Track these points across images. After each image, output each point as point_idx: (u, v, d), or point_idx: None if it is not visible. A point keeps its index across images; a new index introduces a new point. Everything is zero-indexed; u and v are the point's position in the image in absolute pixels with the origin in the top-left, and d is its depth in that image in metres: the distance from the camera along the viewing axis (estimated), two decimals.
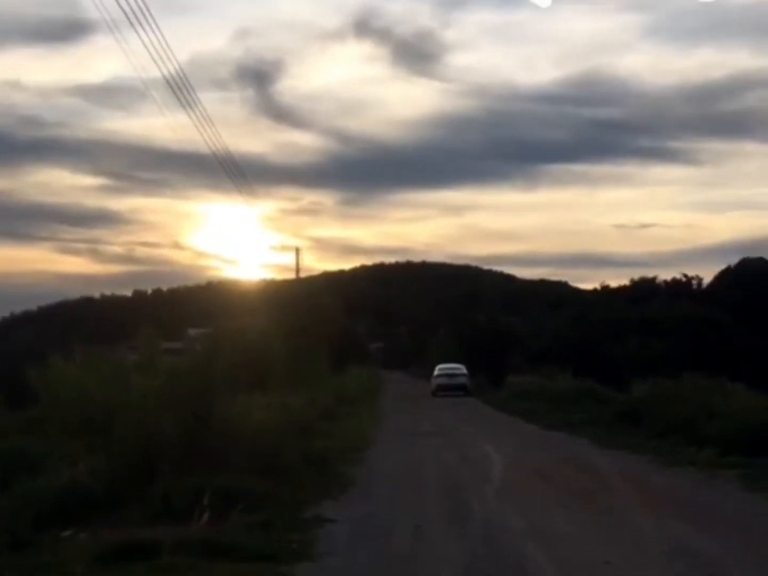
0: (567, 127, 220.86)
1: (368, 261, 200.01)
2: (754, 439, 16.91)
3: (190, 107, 22.56)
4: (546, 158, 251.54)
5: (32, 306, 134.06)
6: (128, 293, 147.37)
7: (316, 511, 11.72)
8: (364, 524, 11.16)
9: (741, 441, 17.14)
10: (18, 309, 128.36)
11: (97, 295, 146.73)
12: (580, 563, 8.91)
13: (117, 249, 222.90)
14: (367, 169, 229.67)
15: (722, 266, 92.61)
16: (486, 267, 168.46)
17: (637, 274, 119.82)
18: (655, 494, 13.58)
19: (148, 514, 10.69)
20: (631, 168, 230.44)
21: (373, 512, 12.07)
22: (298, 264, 54.66)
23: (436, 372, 51.75)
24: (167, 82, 20.41)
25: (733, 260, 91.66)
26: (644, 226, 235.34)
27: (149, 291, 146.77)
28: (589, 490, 13.97)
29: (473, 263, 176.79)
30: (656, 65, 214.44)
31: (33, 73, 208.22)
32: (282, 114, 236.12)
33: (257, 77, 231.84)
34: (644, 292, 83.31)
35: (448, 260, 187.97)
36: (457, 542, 9.98)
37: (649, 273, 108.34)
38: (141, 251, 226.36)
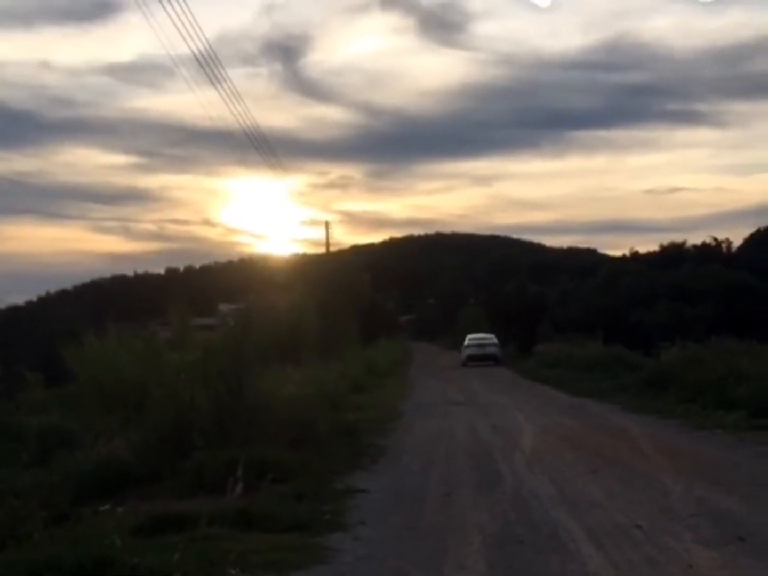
0: (595, 93, 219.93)
1: (397, 233, 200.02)
2: None
3: (219, 83, 22.69)
4: (574, 125, 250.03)
5: (67, 285, 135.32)
6: (161, 270, 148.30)
7: (347, 482, 11.89)
8: (395, 494, 11.31)
9: None
10: (53, 288, 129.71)
11: (129, 272, 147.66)
12: (610, 528, 8.98)
13: (148, 227, 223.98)
14: (395, 141, 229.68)
15: (752, 229, 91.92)
16: (515, 236, 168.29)
17: (667, 239, 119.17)
18: (684, 458, 13.63)
19: (183, 486, 10.90)
20: (659, 132, 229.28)
21: (404, 482, 12.22)
22: (328, 238, 54.73)
23: (466, 342, 51.74)
24: (195, 58, 20.50)
25: (763, 223, 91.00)
26: (673, 190, 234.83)
27: (181, 268, 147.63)
28: (618, 456, 14.05)
29: (502, 233, 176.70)
30: (683, 28, 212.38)
31: (62, 53, 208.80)
32: (310, 88, 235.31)
33: (285, 52, 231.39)
34: (674, 258, 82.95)
35: (476, 231, 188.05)
36: (489, 510, 10.09)
37: (679, 238, 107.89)
38: (172, 228, 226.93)
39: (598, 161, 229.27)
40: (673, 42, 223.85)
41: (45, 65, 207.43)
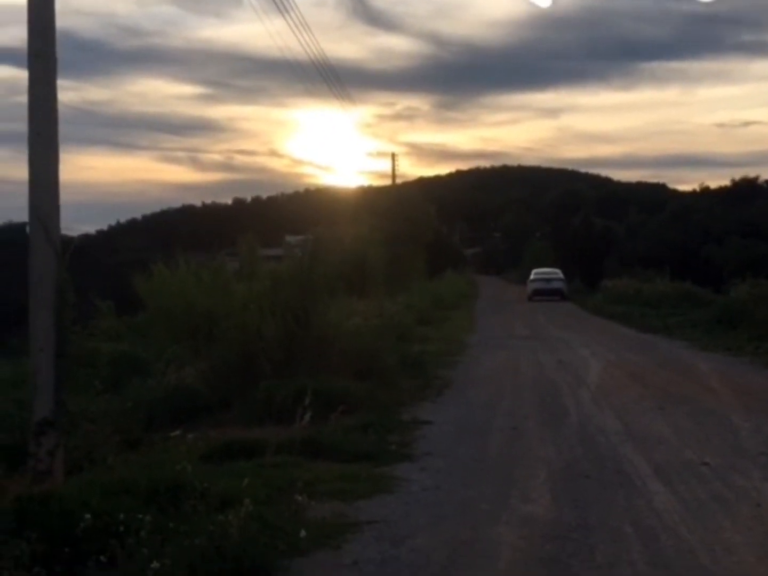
0: (666, 23, 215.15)
1: (464, 166, 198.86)
2: None
3: (286, 12, 22.47)
4: (644, 56, 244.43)
5: (136, 214, 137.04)
6: (228, 201, 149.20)
7: (413, 414, 11.97)
8: (461, 426, 11.36)
9: None
10: (123, 218, 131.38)
11: (198, 203, 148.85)
12: (677, 464, 8.95)
13: (216, 157, 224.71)
14: (462, 72, 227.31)
15: None
16: (582, 170, 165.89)
17: (739, 174, 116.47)
18: (753, 396, 13.48)
19: (252, 415, 11.07)
20: (733, 64, 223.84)
21: (469, 414, 12.26)
22: (394, 170, 54.55)
23: (531, 276, 51.43)
24: None
25: None
26: (746, 124, 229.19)
27: (248, 199, 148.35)
28: (686, 392, 13.94)
29: (569, 166, 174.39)
30: None
31: None
32: (376, 18, 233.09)
33: None
34: (746, 193, 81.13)
35: (544, 164, 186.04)
36: (555, 444, 10.09)
37: (751, 173, 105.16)
38: (239, 159, 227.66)
39: (669, 94, 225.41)
40: None
41: None
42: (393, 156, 55.64)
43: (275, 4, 21.42)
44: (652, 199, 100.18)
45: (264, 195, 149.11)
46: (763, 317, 21.13)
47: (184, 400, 11.58)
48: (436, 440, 10.41)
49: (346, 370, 13.14)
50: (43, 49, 7.92)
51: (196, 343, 15.26)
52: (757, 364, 17.20)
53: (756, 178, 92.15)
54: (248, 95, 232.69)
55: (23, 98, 7.94)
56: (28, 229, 7.93)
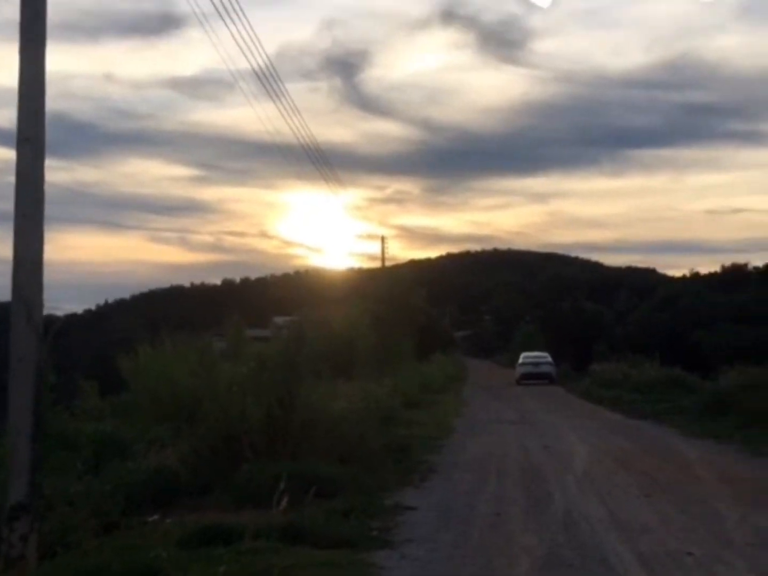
0: (656, 112, 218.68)
1: (454, 249, 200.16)
2: None
3: (278, 98, 22.78)
4: (635, 143, 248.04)
5: (125, 294, 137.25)
6: (217, 282, 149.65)
7: (396, 499, 11.83)
8: (444, 512, 11.22)
9: None
10: (111, 297, 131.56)
11: (186, 283, 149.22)
12: (662, 554, 8.83)
13: (206, 238, 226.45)
14: (454, 157, 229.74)
15: None
16: (572, 254, 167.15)
17: (728, 260, 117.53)
18: (739, 485, 13.36)
19: (233, 499, 10.92)
20: (721, 152, 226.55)
21: (453, 500, 12.13)
22: (383, 252, 54.90)
23: (520, 360, 51.51)
24: (255, 73, 20.65)
25: None
26: (735, 211, 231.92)
27: (237, 280, 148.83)
28: (672, 480, 13.83)
29: (560, 251, 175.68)
30: (748, 47, 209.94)
31: (126, 65, 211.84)
32: (369, 103, 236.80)
33: (344, 67, 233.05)
34: (735, 279, 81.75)
35: (534, 248, 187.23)
36: (538, 531, 9.96)
37: (741, 259, 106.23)
38: (229, 240, 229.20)
39: (659, 180, 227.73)
40: (736, 61, 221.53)
41: (109, 78, 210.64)
42: (383, 239, 56.15)
43: (266, 91, 21.71)
44: (642, 283, 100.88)
45: (253, 276, 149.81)
46: (751, 405, 21.08)
47: (164, 482, 11.43)
48: (418, 526, 10.28)
49: (330, 454, 13.01)
50: (33, 134, 8.01)
51: (179, 424, 15.18)
52: (745, 453, 17.10)
53: (745, 265, 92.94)
54: (239, 177, 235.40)
55: (11, 178, 8.01)
56: (10, 309, 7.92)
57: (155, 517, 8.61)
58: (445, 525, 10.40)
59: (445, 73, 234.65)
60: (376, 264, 55.92)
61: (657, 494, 12.45)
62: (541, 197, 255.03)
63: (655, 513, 11.04)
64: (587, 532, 9.92)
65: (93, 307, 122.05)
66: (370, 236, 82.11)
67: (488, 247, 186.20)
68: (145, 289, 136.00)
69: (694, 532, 9.88)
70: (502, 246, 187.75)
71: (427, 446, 18.01)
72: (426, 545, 9.32)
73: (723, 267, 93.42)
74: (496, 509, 11.35)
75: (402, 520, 10.62)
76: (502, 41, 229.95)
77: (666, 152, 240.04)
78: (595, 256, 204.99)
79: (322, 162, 32.73)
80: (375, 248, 55.84)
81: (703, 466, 15.34)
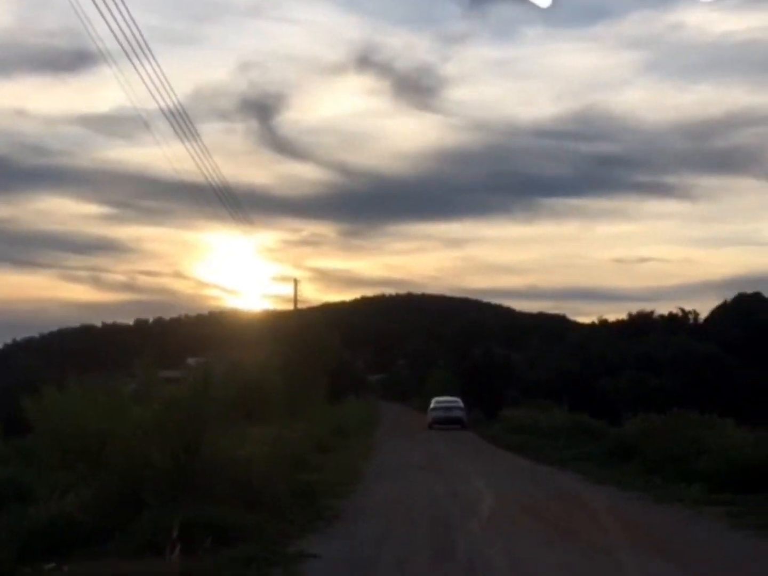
0: (566, 162, 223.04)
1: (369, 292, 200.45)
2: (741, 477, 16.97)
3: (190, 139, 22.78)
4: (546, 192, 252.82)
5: (34, 333, 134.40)
6: (130, 322, 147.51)
7: (300, 546, 11.75)
8: (347, 560, 11.18)
9: (729, 478, 17.21)
10: (20, 336, 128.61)
11: (98, 323, 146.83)
12: None
13: (119, 277, 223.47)
14: (369, 201, 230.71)
15: (719, 301, 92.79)
16: (485, 300, 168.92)
17: (635, 308, 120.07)
18: (641, 531, 13.60)
19: (133, 546, 10.74)
20: (628, 203, 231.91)
21: (357, 547, 12.09)
22: (296, 295, 54.86)
23: (432, 405, 51.72)
24: (165, 115, 20.63)
25: (730, 295, 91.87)
26: (642, 260, 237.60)
27: (151, 320, 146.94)
28: (576, 527, 13.99)
29: (473, 296, 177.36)
30: (654, 101, 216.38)
31: (39, 102, 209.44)
32: (285, 146, 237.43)
33: (260, 109, 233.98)
34: (641, 327, 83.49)
35: (448, 293, 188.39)
36: None
37: (647, 307, 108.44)
38: (142, 280, 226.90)
39: (569, 228, 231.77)
40: (643, 115, 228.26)
41: (21, 113, 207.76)
42: (295, 281, 56.17)
43: (177, 132, 21.71)
44: (552, 330, 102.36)
45: (167, 316, 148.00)
46: (653, 452, 21.50)
47: (63, 529, 11.19)
48: (320, 574, 10.24)
49: (236, 500, 12.91)
50: None
51: (84, 468, 14.88)
52: (647, 499, 17.39)
53: (651, 313, 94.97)
54: (154, 217, 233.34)
55: None
56: None
57: (52, 565, 8.42)
58: (347, 573, 10.38)
59: (360, 118, 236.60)
60: (290, 306, 55.84)
61: (559, 541, 12.58)
62: (455, 243, 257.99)
63: (556, 560, 11.16)
64: None
65: (0, 346, 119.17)
66: (284, 278, 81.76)
67: (403, 291, 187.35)
68: (54, 328, 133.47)
69: None
70: (417, 290, 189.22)
71: (334, 492, 17.94)
72: None
73: (630, 315, 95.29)
74: (400, 558, 11.35)
75: (304, 568, 10.55)
76: (416, 88, 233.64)
77: (575, 201, 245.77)
78: (507, 302, 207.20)
79: (233, 204, 32.76)
80: (289, 290, 55.83)
81: (605, 512, 15.55)
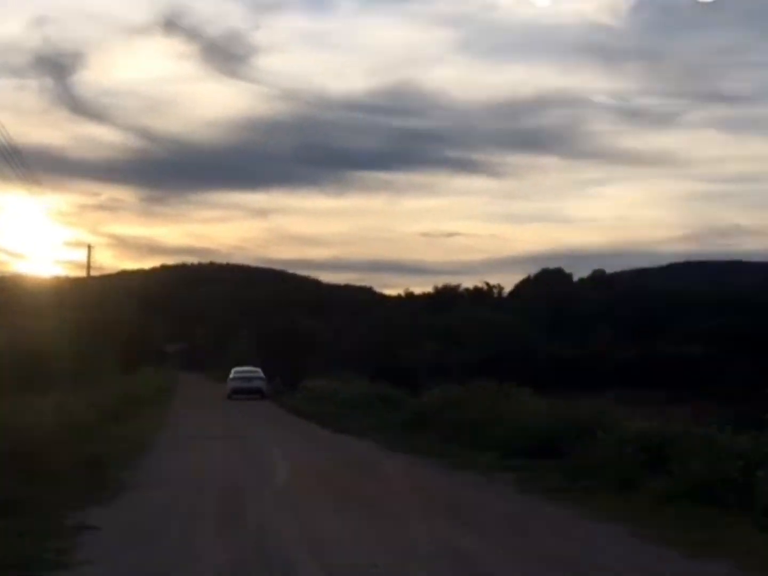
0: (377, 136, 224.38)
1: (170, 261, 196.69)
2: (533, 443, 17.35)
3: None
4: (355, 165, 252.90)
5: None
6: None
7: (80, 518, 11.09)
8: (130, 531, 10.67)
9: (522, 444, 17.58)
10: None
11: None
12: (348, 567, 8.81)
13: None
14: (173, 167, 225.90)
15: (523, 276, 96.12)
16: (291, 271, 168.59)
17: (442, 281, 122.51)
18: (432, 497, 13.68)
19: None
20: (438, 178, 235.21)
21: (142, 519, 11.57)
22: (89, 261, 53.01)
23: (231, 375, 51.17)
24: None
25: (533, 270, 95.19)
26: (449, 235, 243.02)
27: None
28: (369, 494, 13.92)
29: (279, 267, 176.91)
30: (466, 79, 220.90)
31: None
32: (82, 107, 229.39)
33: (56, 67, 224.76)
34: (447, 300, 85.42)
35: (253, 263, 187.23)
36: (227, 548, 9.66)
37: (453, 281, 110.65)
38: None
39: (377, 202, 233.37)
40: (455, 92, 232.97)
41: None
42: (89, 247, 54.28)
43: None
44: (359, 301, 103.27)
45: None
46: (451, 422, 21.78)
47: None
48: (100, 547, 9.66)
49: (12, 471, 12.13)
50: None
51: None
52: (441, 466, 17.54)
53: (457, 287, 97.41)
54: None
55: None
56: None
57: None
58: (130, 545, 9.87)
59: (166, 83, 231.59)
60: (84, 273, 53.85)
61: (352, 508, 12.46)
62: (261, 213, 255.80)
63: (347, 527, 11.01)
64: (277, 548, 9.72)
65: None
66: (79, 244, 79.02)
67: (206, 260, 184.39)
68: None
69: (382, 544, 9.91)
70: (221, 260, 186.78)
71: (124, 463, 17.23)
72: (106, 566, 8.82)
73: (436, 288, 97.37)
74: (188, 526, 10.94)
75: (83, 540, 9.96)
76: (226, 55, 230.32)
77: (385, 175, 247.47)
78: (314, 274, 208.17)
79: (20, 163, 31.08)
80: (83, 257, 53.77)
81: (399, 479, 15.62)
